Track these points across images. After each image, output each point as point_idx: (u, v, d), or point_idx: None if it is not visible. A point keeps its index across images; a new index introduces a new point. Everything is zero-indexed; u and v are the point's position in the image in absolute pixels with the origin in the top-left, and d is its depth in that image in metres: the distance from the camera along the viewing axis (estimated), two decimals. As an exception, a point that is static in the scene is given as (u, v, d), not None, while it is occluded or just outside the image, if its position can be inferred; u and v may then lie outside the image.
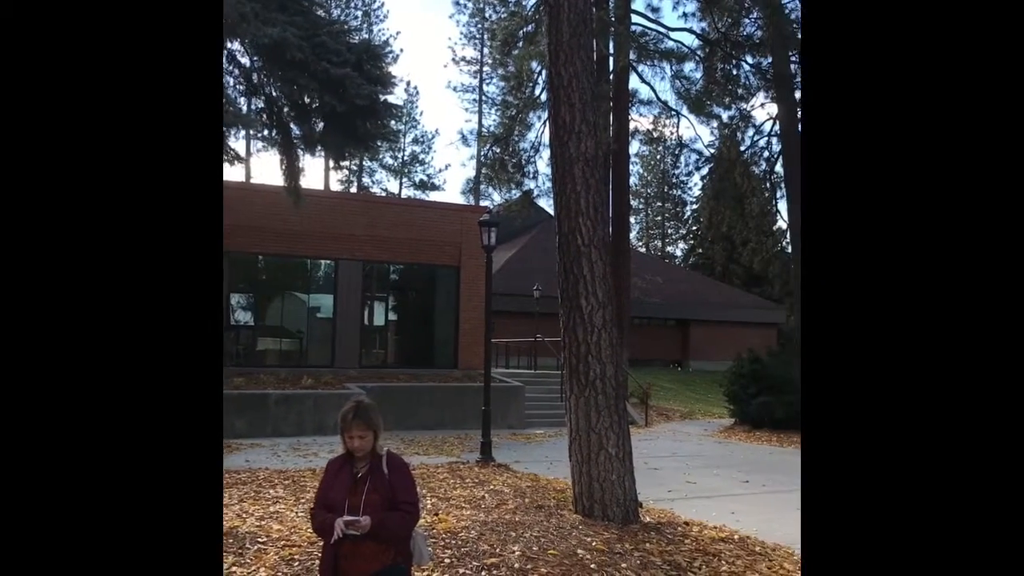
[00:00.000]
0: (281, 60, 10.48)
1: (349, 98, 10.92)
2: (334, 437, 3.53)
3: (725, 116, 20.67)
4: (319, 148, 12.89)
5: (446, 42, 78.71)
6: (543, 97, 17.77)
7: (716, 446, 13.41)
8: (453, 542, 5.31)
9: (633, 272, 21.70)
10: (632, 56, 18.49)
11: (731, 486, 9.11)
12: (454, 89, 58.21)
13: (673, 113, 21.18)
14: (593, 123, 6.78)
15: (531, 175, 21.12)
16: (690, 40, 19.42)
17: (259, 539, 5.35)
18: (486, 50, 39.17)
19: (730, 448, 13.17)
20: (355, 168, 44.77)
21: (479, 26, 39.82)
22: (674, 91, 19.67)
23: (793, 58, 17.64)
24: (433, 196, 46.27)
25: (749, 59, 19.72)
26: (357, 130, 11.77)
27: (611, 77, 19.19)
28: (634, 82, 21.78)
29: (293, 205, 13.07)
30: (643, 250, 50.39)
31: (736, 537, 6.19)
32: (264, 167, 79.14)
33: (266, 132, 12.80)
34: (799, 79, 17.70)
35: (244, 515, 6.20)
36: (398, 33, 66.54)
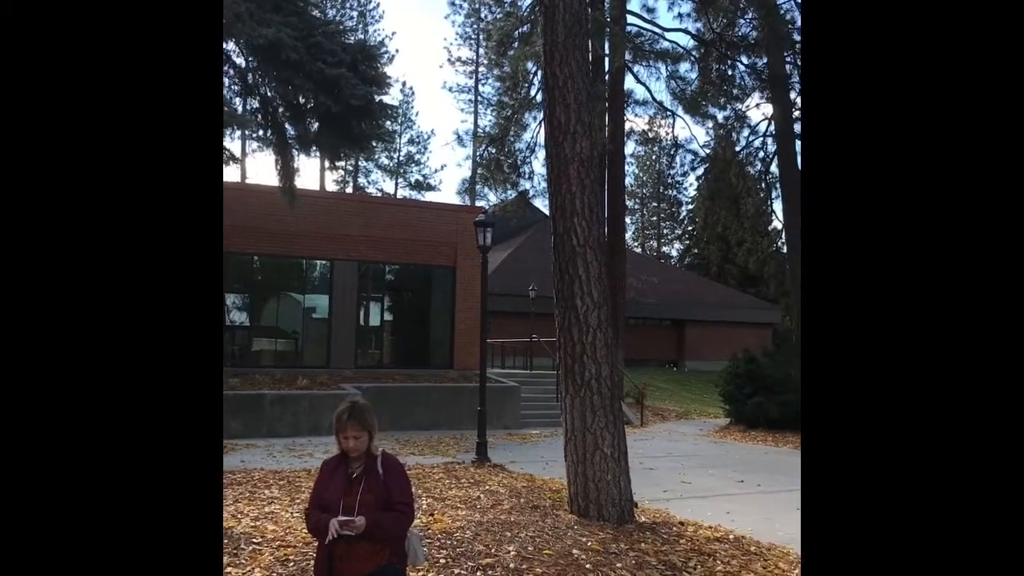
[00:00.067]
0: (276, 60, 10.46)
1: (344, 98, 10.90)
2: (329, 438, 3.53)
3: (720, 116, 20.79)
4: (314, 148, 12.85)
5: (442, 43, 78.97)
6: (539, 98, 17.77)
7: (711, 446, 13.42)
8: (448, 542, 5.31)
9: (629, 272, 21.72)
10: (628, 56, 18.54)
11: (726, 486, 9.12)
12: (450, 90, 58.47)
13: (668, 113, 21.28)
14: (588, 123, 6.80)
15: (527, 175, 21.21)
16: (685, 40, 19.58)
17: (254, 540, 5.35)
18: (482, 51, 39.32)
19: (725, 448, 13.18)
20: (351, 168, 44.78)
21: (475, 27, 39.85)
22: (669, 91, 19.78)
23: (788, 58, 17.69)
24: (429, 196, 46.36)
25: (744, 59, 19.80)
26: (352, 130, 11.75)
27: (607, 77, 19.25)
28: (629, 82, 21.86)
29: (288, 205, 13.04)
30: (639, 250, 50.47)
31: (731, 537, 6.20)
32: (259, 167, 79.26)
33: (261, 132, 12.76)
34: (794, 79, 17.77)
35: (239, 515, 6.19)
36: (393, 34, 66.63)
